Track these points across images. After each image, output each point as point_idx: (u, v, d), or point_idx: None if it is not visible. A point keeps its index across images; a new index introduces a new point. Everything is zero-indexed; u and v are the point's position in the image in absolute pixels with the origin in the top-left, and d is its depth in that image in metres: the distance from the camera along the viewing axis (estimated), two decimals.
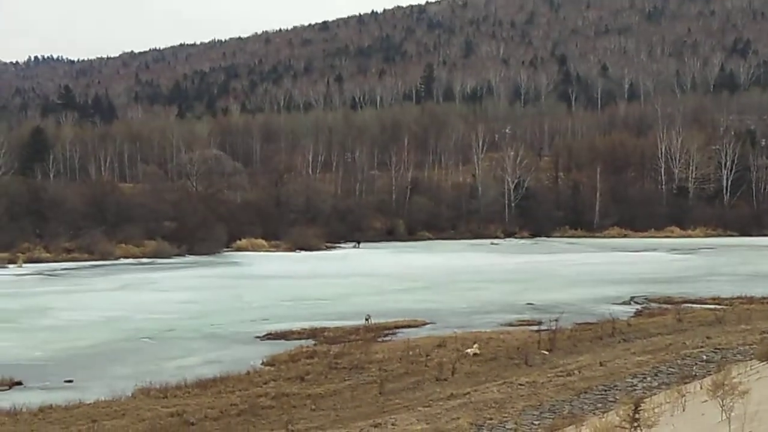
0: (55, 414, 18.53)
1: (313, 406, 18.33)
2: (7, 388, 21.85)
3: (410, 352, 24.29)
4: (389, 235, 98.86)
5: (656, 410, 10.70)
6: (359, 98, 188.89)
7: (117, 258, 71.58)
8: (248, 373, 22.63)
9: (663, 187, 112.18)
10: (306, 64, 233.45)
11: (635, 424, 8.10)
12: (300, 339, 28.55)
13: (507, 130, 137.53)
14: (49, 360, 25.67)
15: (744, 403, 8.47)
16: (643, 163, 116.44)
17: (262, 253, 79.14)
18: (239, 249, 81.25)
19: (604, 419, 11.23)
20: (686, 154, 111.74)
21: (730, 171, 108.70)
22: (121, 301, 40.79)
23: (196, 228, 79.49)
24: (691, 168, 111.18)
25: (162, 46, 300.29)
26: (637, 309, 36.00)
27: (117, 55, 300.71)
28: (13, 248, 70.24)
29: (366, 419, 16.39)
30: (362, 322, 30.47)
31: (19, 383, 22.18)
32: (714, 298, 38.23)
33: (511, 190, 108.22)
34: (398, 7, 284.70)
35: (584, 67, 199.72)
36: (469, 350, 22.54)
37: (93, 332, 30.83)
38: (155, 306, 38.44)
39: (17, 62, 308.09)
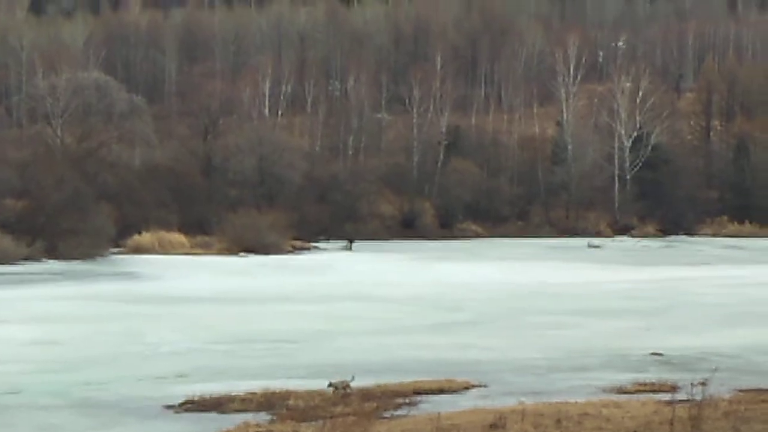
0: None
1: None
2: None
3: None
4: (407, 228, 76.92)
5: None
6: None
7: None
8: None
9: None
10: None
11: None
12: (245, 411, 22.08)
13: (620, 43, 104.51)
14: None
15: None
16: None
17: (178, 257, 65.08)
18: (138, 250, 65.90)
19: None
20: None
21: None
22: None
23: (61, 212, 62.36)
24: None
25: None
26: None
27: None
28: None
29: None
30: (352, 380, 22.82)
31: None
32: None
33: (626, 151, 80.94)
34: None
35: None
36: None
37: None
38: None
39: None
